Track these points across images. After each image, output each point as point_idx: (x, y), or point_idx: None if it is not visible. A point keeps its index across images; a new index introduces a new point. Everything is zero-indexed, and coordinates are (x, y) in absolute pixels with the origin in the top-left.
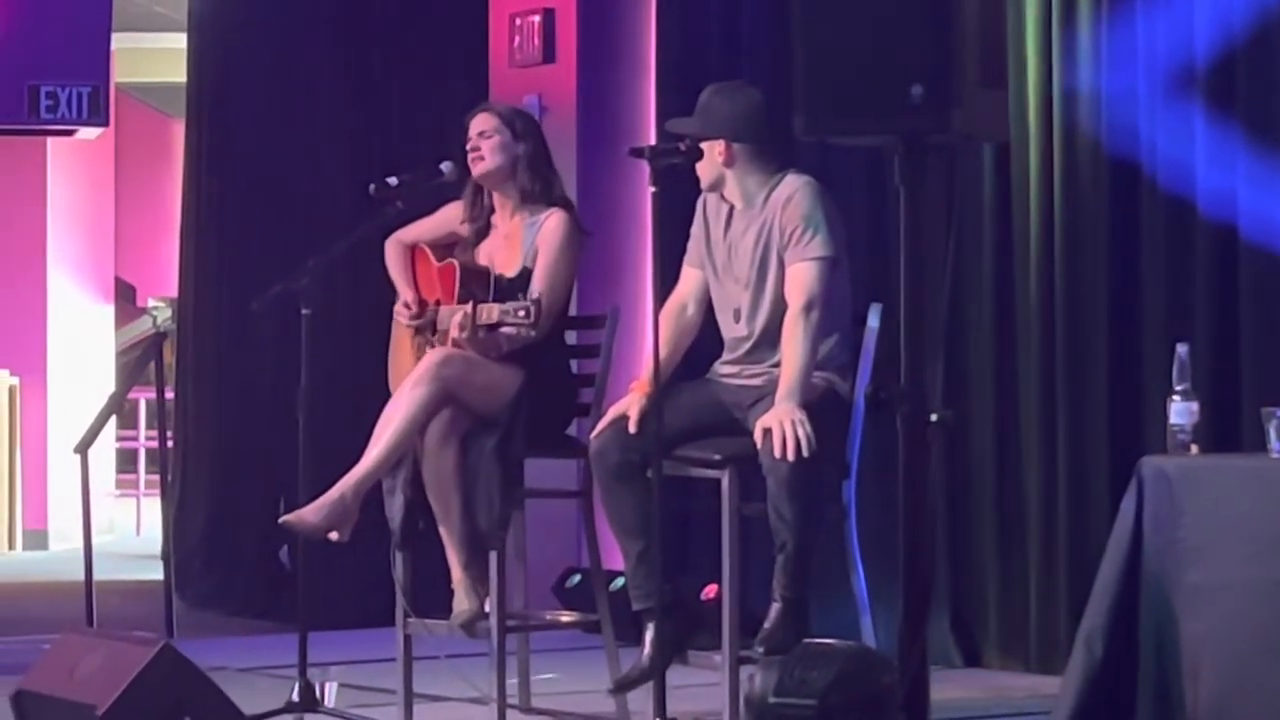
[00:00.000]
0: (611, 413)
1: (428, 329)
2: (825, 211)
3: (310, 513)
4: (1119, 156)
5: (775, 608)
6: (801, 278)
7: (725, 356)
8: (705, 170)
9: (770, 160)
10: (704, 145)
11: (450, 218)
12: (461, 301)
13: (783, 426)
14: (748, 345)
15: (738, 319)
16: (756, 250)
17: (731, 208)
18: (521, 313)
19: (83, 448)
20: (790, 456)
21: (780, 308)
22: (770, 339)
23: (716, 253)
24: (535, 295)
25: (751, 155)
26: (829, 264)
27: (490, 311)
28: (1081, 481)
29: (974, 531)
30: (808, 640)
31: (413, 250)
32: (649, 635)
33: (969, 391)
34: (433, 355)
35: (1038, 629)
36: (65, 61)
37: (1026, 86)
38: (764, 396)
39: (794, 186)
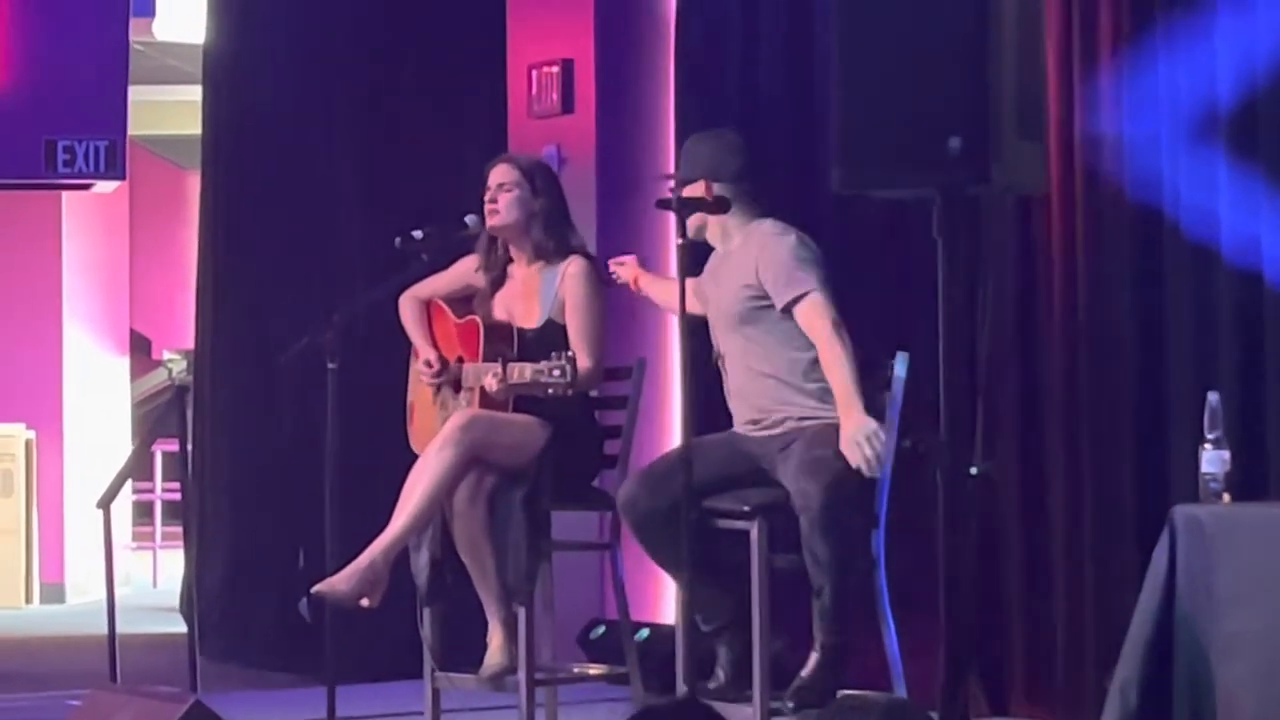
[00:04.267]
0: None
1: (451, 386)
2: (812, 252)
3: (341, 581)
4: (1142, 203)
5: (814, 658)
6: (814, 308)
7: (743, 415)
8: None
9: (752, 204)
10: (687, 190)
11: (465, 270)
12: (488, 359)
13: (865, 443)
14: (754, 398)
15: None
16: (740, 295)
17: (716, 252)
18: (557, 371)
19: (105, 503)
20: (876, 472)
21: (774, 357)
22: (779, 388)
23: (711, 294)
24: (572, 353)
25: (732, 196)
26: (830, 290)
27: (522, 371)
28: (1108, 531)
29: (1000, 581)
30: (844, 693)
31: (428, 306)
32: (723, 654)
33: (994, 441)
34: (457, 418)
35: (1064, 679)
36: (82, 116)
37: (1048, 134)
38: (791, 442)
39: (771, 232)
